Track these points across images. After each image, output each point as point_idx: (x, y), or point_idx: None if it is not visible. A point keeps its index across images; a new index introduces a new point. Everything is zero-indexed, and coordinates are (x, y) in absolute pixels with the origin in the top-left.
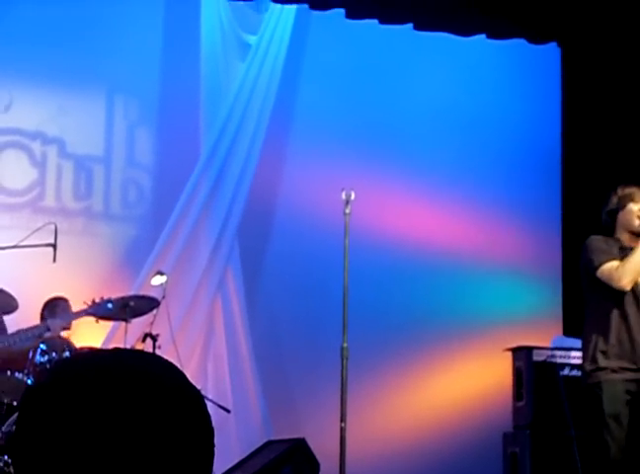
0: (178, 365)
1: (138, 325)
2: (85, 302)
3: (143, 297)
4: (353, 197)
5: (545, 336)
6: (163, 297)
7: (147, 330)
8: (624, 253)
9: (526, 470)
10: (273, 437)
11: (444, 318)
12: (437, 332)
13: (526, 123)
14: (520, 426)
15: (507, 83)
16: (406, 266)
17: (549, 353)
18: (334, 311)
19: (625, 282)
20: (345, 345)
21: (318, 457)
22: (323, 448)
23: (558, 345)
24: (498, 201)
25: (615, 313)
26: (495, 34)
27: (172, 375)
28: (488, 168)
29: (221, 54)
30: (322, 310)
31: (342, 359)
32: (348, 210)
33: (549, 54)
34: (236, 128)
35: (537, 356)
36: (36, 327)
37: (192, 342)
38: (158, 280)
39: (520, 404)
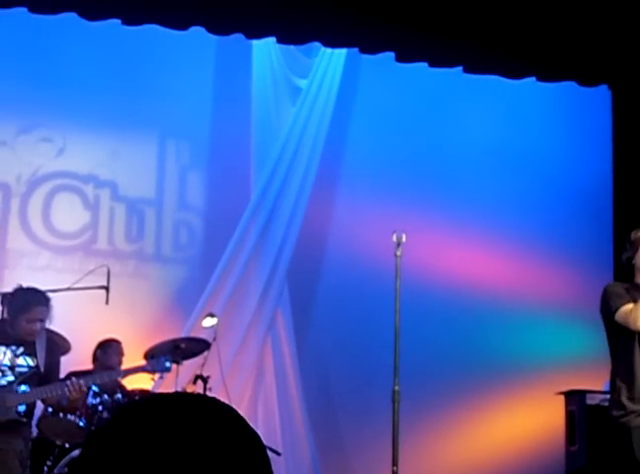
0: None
1: (189, 367)
2: (143, 353)
3: (194, 339)
4: (404, 239)
5: (598, 379)
6: (214, 339)
7: (198, 372)
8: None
9: None
10: None
11: (496, 361)
12: (488, 375)
13: (577, 165)
14: (573, 471)
15: (557, 125)
16: (457, 308)
17: (603, 396)
18: (385, 353)
19: None
20: (396, 387)
21: None
22: None
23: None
24: (549, 243)
25: (637, 357)
26: (545, 76)
27: (233, 421)
28: (538, 210)
29: (272, 98)
30: (373, 352)
31: (393, 403)
32: (399, 252)
33: (600, 97)
34: (286, 171)
35: (591, 400)
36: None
37: (242, 383)
38: (209, 322)
39: (574, 448)
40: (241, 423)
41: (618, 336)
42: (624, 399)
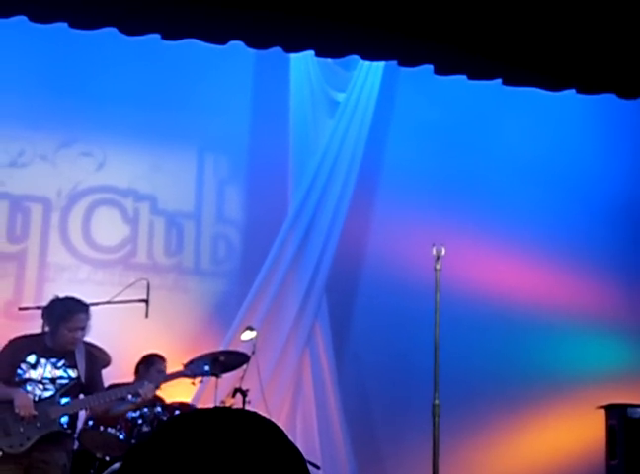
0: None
1: (228, 380)
2: (182, 364)
3: (233, 352)
4: (443, 252)
5: (639, 392)
6: (253, 352)
7: (237, 385)
8: None
9: None
10: None
11: (535, 375)
12: (528, 389)
13: (614, 177)
14: None
15: (597, 137)
16: (497, 321)
17: None
18: (424, 367)
19: None
20: (436, 401)
21: None
22: None
23: None
24: (588, 255)
25: None
26: (585, 88)
27: (275, 436)
28: (577, 222)
29: (310, 111)
30: (412, 366)
31: (433, 417)
32: (438, 266)
33: (637, 109)
34: (324, 184)
35: (632, 414)
36: (128, 388)
37: (281, 397)
38: (248, 336)
39: (615, 463)
40: (282, 437)
41: None
42: None
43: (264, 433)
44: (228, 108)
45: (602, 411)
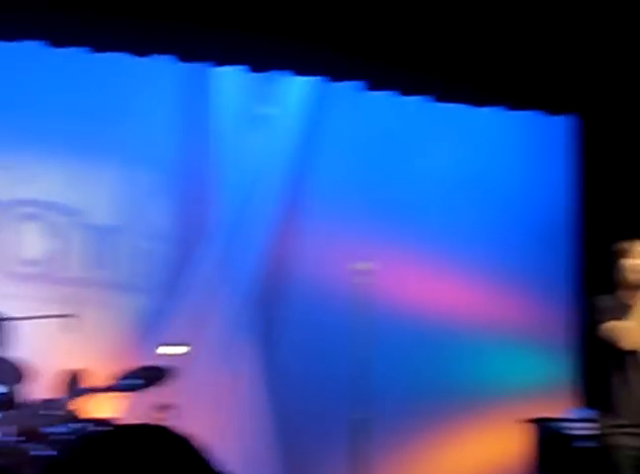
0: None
1: (155, 395)
2: (106, 378)
3: (158, 367)
4: (370, 268)
5: (562, 407)
6: (180, 367)
7: (162, 400)
8: (625, 311)
9: None
10: None
11: (462, 389)
12: (455, 403)
13: (542, 194)
14: None
15: (525, 154)
16: (422, 337)
17: (566, 424)
18: (351, 383)
19: (625, 343)
20: (363, 417)
21: None
22: None
23: (574, 416)
24: (513, 271)
25: (618, 375)
26: (515, 105)
27: (190, 451)
28: (503, 239)
29: (235, 125)
30: (339, 381)
31: (354, 432)
32: (362, 281)
33: (567, 126)
34: (252, 199)
35: (554, 428)
36: (50, 403)
37: (206, 412)
38: (173, 350)
39: None
40: (200, 453)
41: (603, 352)
42: (603, 418)
43: (182, 449)
44: (154, 121)
45: (527, 425)
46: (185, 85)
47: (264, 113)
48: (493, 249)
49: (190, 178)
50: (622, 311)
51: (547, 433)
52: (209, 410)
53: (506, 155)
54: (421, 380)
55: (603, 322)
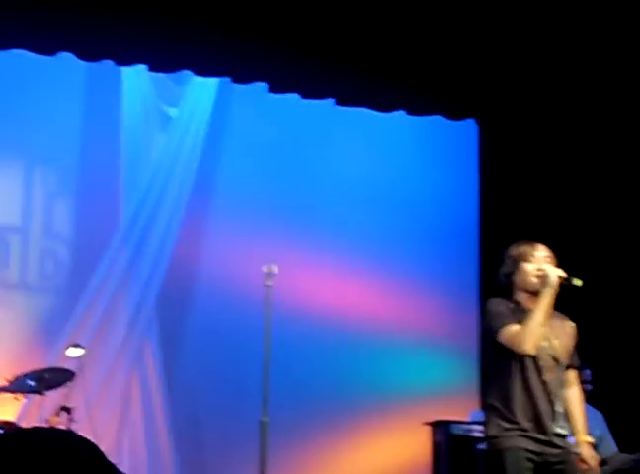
0: (93, 439)
1: (54, 397)
2: (6, 379)
3: (59, 370)
4: (275, 270)
5: (464, 410)
6: (79, 370)
7: (63, 403)
8: (524, 315)
9: None
10: None
11: (365, 391)
12: (357, 405)
13: (445, 198)
14: None
15: (426, 158)
16: (327, 339)
17: (467, 427)
18: (254, 384)
19: (527, 346)
20: (264, 419)
21: None
22: None
23: (476, 419)
24: (418, 275)
25: (517, 379)
26: (415, 110)
27: (87, 453)
28: (408, 241)
29: (142, 126)
30: (242, 383)
31: (261, 434)
32: (270, 283)
33: (467, 131)
34: (156, 200)
35: (456, 431)
36: None
37: (108, 415)
38: (74, 353)
39: None
40: (100, 457)
41: (499, 356)
42: (499, 420)
43: (82, 453)
44: (58, 121)
45: (428, 427)
46: (92, 84)
47: (170, 113)
48: (399, 252)
49: (97, 178)
50: (521, 315)
51: (449, 435)
52: (110, 413)
53: (408, 159)
54: (325, 382)
55: (502, 326)
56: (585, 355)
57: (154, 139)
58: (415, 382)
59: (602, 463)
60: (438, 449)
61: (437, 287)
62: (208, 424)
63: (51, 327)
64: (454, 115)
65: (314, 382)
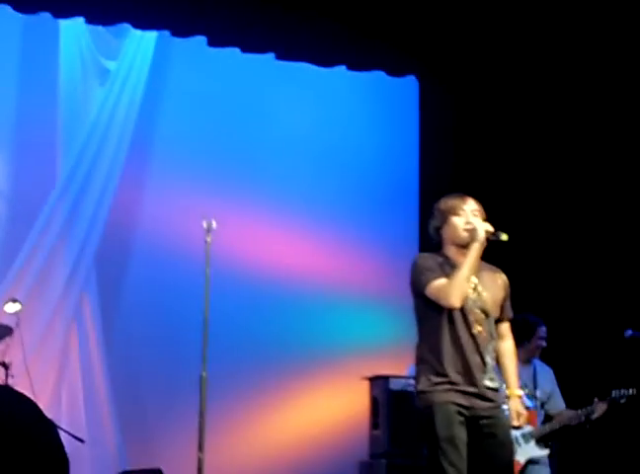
0: (31, 395)
1: None
2: None
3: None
4: (214, 225)
5: (402, 364)
6: (17, 325)
7: (0, 358)
8: (452, 269)
9: None
10: (128, 468)
11: (304, 347)
12: (296, 361)
13: (385, 154)
14: (376, 454)
15: (366, 114)
16: (267, 295)
17: (405, 381)
18: (194, 340)
19: (454, 300)
20: (204, 374)
21: None
22: None
23: (414, 373)
24: (358, 231)
25: (446, 333)
26: (355, 65)
27: (23, 407)
28: (349, 197)
29: (80, 79)
30: (181, 339)
31: (201, 388)
32: (209, 239)
33: (407, 87)
34: (94, 154)
35: (394, 385)
36: None
37: (46, 371)
38: (11, 308)
39: (377, 433)
40: (32, 408)
41: (427, 310)
42: (430, 374)
43: (19, 409)
44: None
45: (367, 382)
46: (29, 37)
47: (109, 66)
48: (339, 208)
49: (35, 132)
50: (449, 269)
51: (387, 390)
52: (48, 368)
53: (349, 115)
54: (265, 338)
55: (429, 281)
56: (538, 312)
57: (92, 93)
58: (356, 338)
59: (549, 418)
60: (376, 404)
61: (377, 244)
62: (148, 378)
63: None
64: (395, 71)
65: (254, 338)
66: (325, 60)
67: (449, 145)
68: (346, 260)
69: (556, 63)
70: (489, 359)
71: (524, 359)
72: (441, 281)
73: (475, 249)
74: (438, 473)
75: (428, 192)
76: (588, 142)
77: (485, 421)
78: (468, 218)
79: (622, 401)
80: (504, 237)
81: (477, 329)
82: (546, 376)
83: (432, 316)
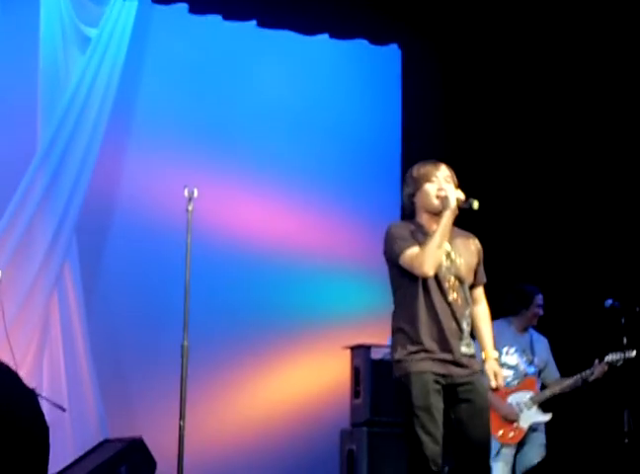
0: (11, 363)
1: None
2: None
3: None
4: (195, 193)
5: (383, 334)
6: None
7: None
8: (425, 236)
9: (363, 467)
10: (109, 436)
11: (286, 316)
12: (277, 330)
13: (368, 123)
14: (357, 423)
15: (349, 83)
16: (248, 263)
17: (387, 350)
18: (175, 309)
19: (427, 268)
20: (185, 343)
21: (156, 456)
22: (161, 447)
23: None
24: (340, 201)
25: (422, 301)
26: (337, 33)
27: (3, 375)
28: (330, 166)
29: (60, 47)
30: (163, 308)
31: (182, 358)
32: (190, 207)
33: (390, 56)
34: (75, 122)
35: (375, 354)
36: None
37: (27, 339)
38: None
39: (358, 401)
40: (11, 376)
41: (402, 279)
42: (406, 343)
43: (5, 377)
44: None
45: (348, 351)
46: (9, 4)
47: (90, 34)
48: (321, 176)
49: (14, 101)
50: (422, 236)
51: (368, 359)
52: (29, 336)
53: (331, 83)
54: (246, 307)
55: (402, 249)
56: (533, 281)
57: (73, 61)
58: (337, 307)
59: (543, 387)
60: (357, 373)
61: (359, 213)
62: (129, 347)
63: None
64: (377, 39)
65: (235, 307)
66: (307, 28)
67: (432, 115)
68: (327, 229)
69: (551, 29)
70: (465, 326)
71: (522, 328)
72: (414, 250)
73: (447, 217)
74: (413, 441)
75: (410, 161)
76: (578, 115)
77: (462, 387)
78: (441, 185)
79: (619, 364)
80: (475, 205)
81: (452, 296)
82: (542, 345)
83: (407, 285)
